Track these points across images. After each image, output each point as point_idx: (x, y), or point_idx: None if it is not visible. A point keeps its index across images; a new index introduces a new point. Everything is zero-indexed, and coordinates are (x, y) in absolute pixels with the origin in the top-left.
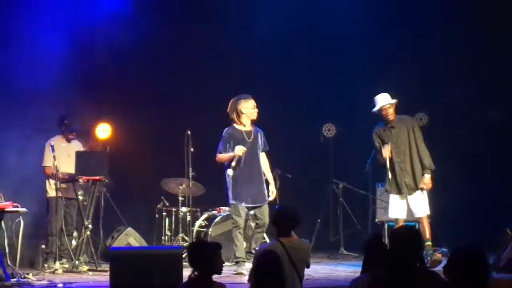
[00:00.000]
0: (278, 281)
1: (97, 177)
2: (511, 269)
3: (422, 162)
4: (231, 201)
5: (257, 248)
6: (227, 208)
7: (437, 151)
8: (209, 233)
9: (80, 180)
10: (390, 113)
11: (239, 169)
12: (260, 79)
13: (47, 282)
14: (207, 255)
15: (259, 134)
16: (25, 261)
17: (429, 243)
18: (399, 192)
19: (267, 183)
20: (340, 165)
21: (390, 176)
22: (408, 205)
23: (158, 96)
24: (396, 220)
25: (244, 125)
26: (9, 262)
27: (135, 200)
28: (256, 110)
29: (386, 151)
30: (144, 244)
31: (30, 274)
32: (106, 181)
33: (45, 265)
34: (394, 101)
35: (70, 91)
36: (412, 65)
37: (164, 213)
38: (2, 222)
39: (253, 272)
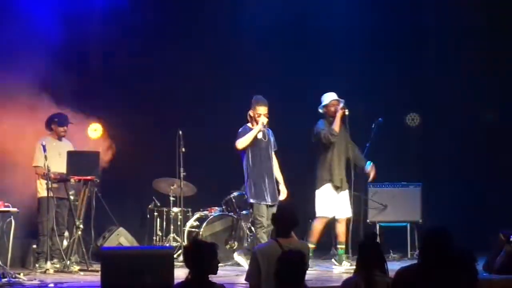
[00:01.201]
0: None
1: (88, 177)
2: (505, 272)
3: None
4: (252, 200)
5: (254, 248)
6: (218, 208)
7: (430, 153)
8: (201, 233)
9: (72, 180)
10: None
11: (258, 167)
12: (255, 78)
13: (38, 282)
14: (203, 255)
15: (271, 134)
16: (16, 261)
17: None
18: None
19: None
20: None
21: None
22: (336, 202)
23: (150, 95)
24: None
25: (253, 126)
26: (0, 262)
27: (127, 200)
28: (264, 118)
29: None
30: (136, 244)
31: (21, 274)
32: (98, 181)
33: (36, 265)
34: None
35: (61, 89)
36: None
37: (156, 213)
38: None
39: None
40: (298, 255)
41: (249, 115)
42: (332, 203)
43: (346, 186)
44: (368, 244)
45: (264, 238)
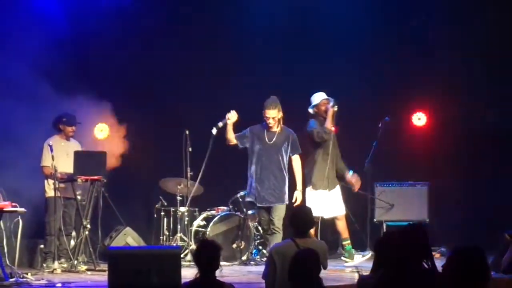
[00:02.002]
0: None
1: (95, 177)
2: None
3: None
4: (247, 198)
5: (269, 248)
6: (225, 208)
7: (437, 152)
8: (207, 233)
9: (79, 180)
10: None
11: (258, 170)
12: (259, 77)
13: (46, 282)
14: (213, 255)
15: (288, 138)
16: (23, 261)
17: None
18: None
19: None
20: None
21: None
22: (329, 201)
23: (156, 94)
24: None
25: (270, 127)
26: (7, 262)
27: (134, 200)
28: (270, 121)
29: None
30: (143, 244)
31: (29, 274)
32: (105, 180)
33: (44, 265)
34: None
35: (68, 89)
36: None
37: (163, 213)
38: (1, 222)
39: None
40: (309, 254)
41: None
42: (325, 203)
43: (337, 183)
44: (384, 244)
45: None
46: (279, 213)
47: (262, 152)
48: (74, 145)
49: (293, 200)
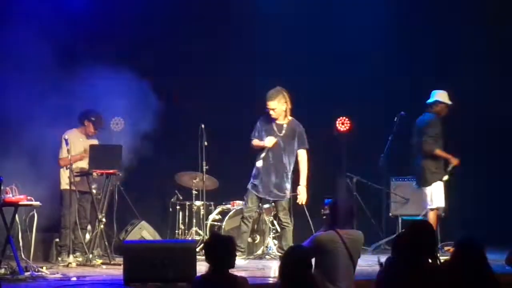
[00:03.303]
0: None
1: (111, 171)
2: None
3: None
4: (248, 187)
5: (314, 235)
6: (241, 202)
7: (452, 146)
8: (223, 227)
9: (94, 174)
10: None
11: (267, 161)
12: (275, 70)
13: (61, 276)
14: (221, 249)
15: (294, 131)
16: (39, 254)
17: None
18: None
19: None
20: (354, 159)
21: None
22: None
23: (172, 89)
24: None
25: (275, 118)
26: (23, 256)
27: (149, 194)
28: (272, 112)
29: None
30: (158, 237)
31: (44, 268)
32: (120, 174)
33: (59, 259)
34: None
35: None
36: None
37: (178, 207)
38: (16, 215)
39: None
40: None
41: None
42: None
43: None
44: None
45: (243, 227)
46: (284, 207)
47: (275, 145)
48: (93, 144)
49: (298, 196)
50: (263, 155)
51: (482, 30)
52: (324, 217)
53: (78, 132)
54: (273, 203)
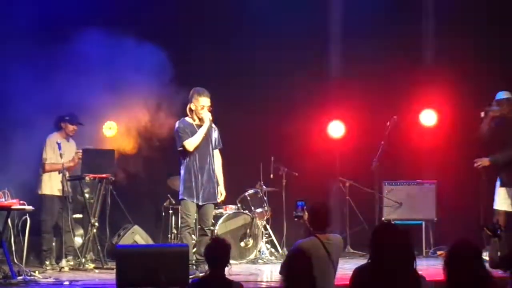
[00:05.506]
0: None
1: (103, 175)
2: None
3: None
4: (181, 197)
5: (297, 243)
6: (233, 207)
7: (445, 151)
8: (216, 231)
9: (87, 178)
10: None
11: (191, 161)
12: (269, 72)
13: (53, 280)
14: (223, 253)
15: (213, 130)
16: (31, 258)
17: None
18: None
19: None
20: (346, 163)
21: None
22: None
23: (163, 92)
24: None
25: (194, 120)
26: (15, 260)
27: (142, 198)
28: (205, 111)
29: None
30: (151, 242)
31: (37, 272)
32: (113, 179)
33: (46, 262)
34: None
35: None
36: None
37: (171, 211)
38: (9, 219)
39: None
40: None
41: (190, 108)
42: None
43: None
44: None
45: (187, 238)
46: (212, 212)
47: (199, 148)
48: (73, 146)
49: (219, 197)
50: (187, 156)
51: None
52: (296, 219)
53: (58, 135)
54: (265, 207)
